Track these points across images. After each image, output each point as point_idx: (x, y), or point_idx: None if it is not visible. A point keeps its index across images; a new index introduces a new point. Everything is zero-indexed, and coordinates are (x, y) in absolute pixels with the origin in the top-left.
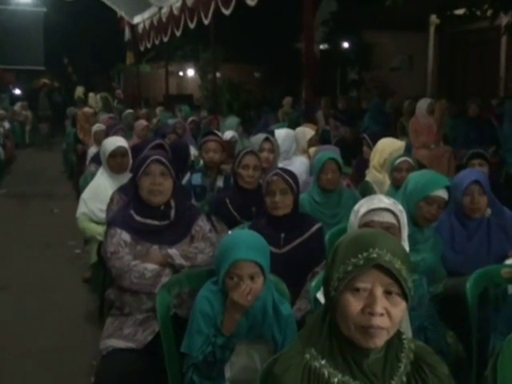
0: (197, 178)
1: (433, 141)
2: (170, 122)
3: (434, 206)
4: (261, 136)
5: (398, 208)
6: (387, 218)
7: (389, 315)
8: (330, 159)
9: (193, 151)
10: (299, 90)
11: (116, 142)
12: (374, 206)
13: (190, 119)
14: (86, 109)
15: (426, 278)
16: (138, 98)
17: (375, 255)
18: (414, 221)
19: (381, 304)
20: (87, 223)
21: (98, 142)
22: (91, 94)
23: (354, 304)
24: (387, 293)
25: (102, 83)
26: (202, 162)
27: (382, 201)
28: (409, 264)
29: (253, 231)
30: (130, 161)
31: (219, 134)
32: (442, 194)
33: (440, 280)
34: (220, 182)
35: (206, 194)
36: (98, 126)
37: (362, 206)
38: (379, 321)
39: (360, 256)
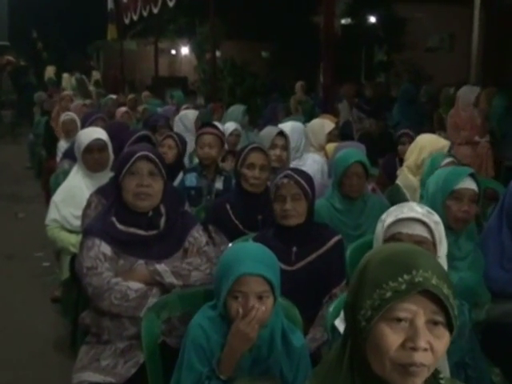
0: (191, 179)
1: (475, 135)
2: (160, 111)
3: (465, 200)
4: (273, 130)
5: (433, 219)
6: (418, 230)
7: (432, 350)
8: (356, 162)
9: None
10: (316, 74)
11: (93, 133)
12: (402, 216)
13: (184, 107)
14: (67, 92)
15: (467, 302)
16: (122, 80)
17: (420, 279)
18: (446, 227)
19: (424, 337)
20: (58, 232)
21: (68, 134)
22: (65, 75)
23: (393, 337)
24: (431, 323)
25: (78, 62)
26: (196, 159)
27: (412, 209)
28: (453, 288)
29: (259, 244)
30: (111, 157)
31: (219, 125)
32: (470, 184)
33: (482, 305)
34: (219, 184)
35: (202, 199)
36: (66, 115)
37: (390, 215)
38: (422, 357)
39: (401, 279)
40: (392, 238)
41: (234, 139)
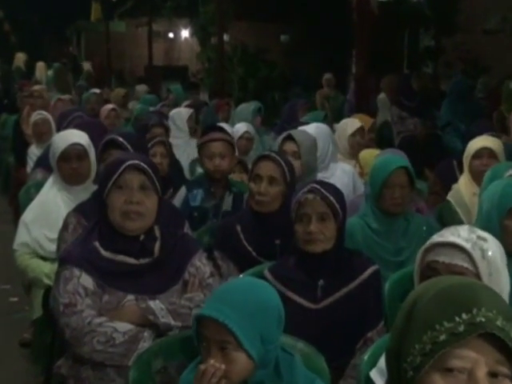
0: (195, 197)
1: None
2: (152, 109)
3: None
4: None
5: (481, 246)
6: (458, 259)
7: None
8: (398, 169)
9: (188, 155)
10: (347, 63)
11: (70, 137)
12: (439, 240)
13: (184, 105)
14: (38, 86)
15: None
16: (108, 71)
17: (483, 319)
18: (506, 252)
19: None
20: (29, 259)
21: (40, 138)
22: (40, 64)
23: None
24: (492, 375)
25: (55, 48)
26: (199, 170)
27: (455, 233)
28: None
29: (259, 281)
30: (94, 166)
31: (228, 128)
32: None
33: None
34: (228, 203)
35: (207, 220)
36: (38, 115)
37: (430, 240)
38: None
39: (459, 319)
40: (428, 267)
41: (245, 144)
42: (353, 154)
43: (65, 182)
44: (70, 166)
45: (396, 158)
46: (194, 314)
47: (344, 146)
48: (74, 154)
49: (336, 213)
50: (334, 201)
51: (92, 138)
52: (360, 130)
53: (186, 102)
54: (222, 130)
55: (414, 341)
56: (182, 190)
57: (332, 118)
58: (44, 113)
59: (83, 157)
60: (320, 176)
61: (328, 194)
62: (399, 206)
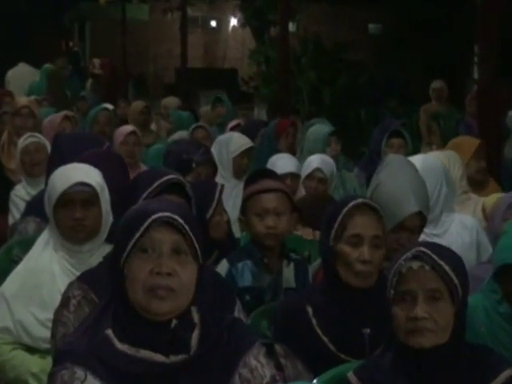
0: (243, 274)
1: None
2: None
3: None
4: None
5: None
6: None
7: None
8: None
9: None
10: (465, 66)
11: (74, 174)
12: None
13: (231, 125)
14: (26, 99)
15: None
16: (123, 76)
17: None
18: None
19: None
20: (10, 351)
21: (32, 173)
22: (23, 68)
23: None
24: None
25: (49, 43)
26: (243, 232)
27: None
28: None
29: None
30: (107, 218)
31: (292, 161)
32: None
33: None
34: (289, 276)
35: (263, 301)
36: (28, 138)
37: None
38: None
39: None
40: None
41: (316, 187)
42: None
43: (64, 238)
44: (72, 215)
45: None
46: None
47: (456, 179)
48: (79, 198)
49: (453, 290)
50: (450, 272)
51: (106, 177)
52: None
53: (233, 123)
54: (274, 175)
55: None
56: (223, 265)
57: (442, 146)
58: (38, 135)
59: (92, 203)
60: (428, 233)
61: (442, 262)
62: None
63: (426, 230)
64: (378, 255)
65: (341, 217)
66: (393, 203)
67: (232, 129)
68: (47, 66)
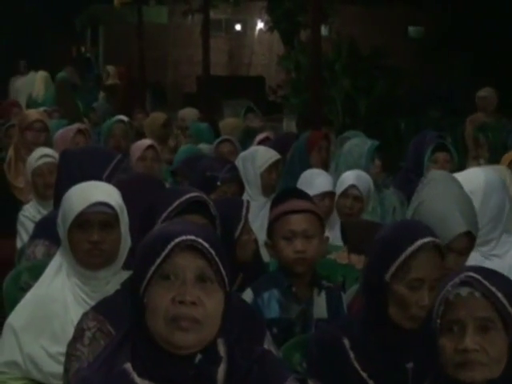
0: (270, 304)
1: None
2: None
3: None
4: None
5: None
6: None
7: None
8: None
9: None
10: None
11: (91, 193)
12: None
13: (259, 139)
14: (37, 111)
15: None
16: (140, 84)
17: None
18: None
19: None
20: None
21: (43, 194)
22: (41, 74)
23: None
24: None
25: (59, 49)
26: (270, 257)
27: None
28: None
29: None
30: (126, 242)
31: (326, 178)
32: None
33: None
34: (320, 306)
35: (292, 334)
36: (41, 158)
37: None
38: None
39: None
40: None
41: (351, 205)
42: None
43: (79, 263)
44: (88, 237)
45: None
46: None
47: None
48: (98, 219)
49: (507, 319)
50: (503, 299)
51: (126, 197)
52: None
53: (262, 136)
54: (303, 195)
55: None
56: (247, 295)
57: (491, 160)
58: (51, 154)
59: (111, 225)
60: (487, 253)
61: (494, 288)
62: None
63: (484, 249)
64: (433, 296)
65: (404, 256)
66: (438, 223)
67: (260, 143)
68: (60, 74)
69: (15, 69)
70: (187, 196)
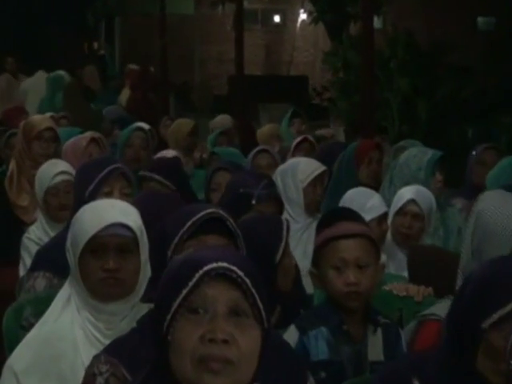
0: (317, 344)
1: None
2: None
3: None
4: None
5: None
6: None
7: None
8: None
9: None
10: None
11: (107, 213)
12: None
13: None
14: (41, 117)
15: None
16: (163, 87)
17: None
18: None
19: None
20: None
21: (55, 218)
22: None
23: None
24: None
25: (69, 45)
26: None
27: None
28: None
29: None
30: (146, 270)
31: (377, 200)
32: None
33: None
34: (376, 346)
35: (343, 379)
36: (56, 171)
37: None
38: None
39: None
40: None
41: (410, 225)
42: None
43: (92, 295)
44: (103, 264)
45: None
46: None
47: None
48: (114, 243)
49: None
50: None
51: (146, 218)
52: None
53: (298, 139)
54: (357, 216)
55: None
56: (291, 333)
57: None
58: (68, 169)
59: (130, 250)
60: None
61: None
62: None
63: None
64: None
65: (506, 297)
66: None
67: (298, 145)
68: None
69: (1, 66)
70: (201, 214)
